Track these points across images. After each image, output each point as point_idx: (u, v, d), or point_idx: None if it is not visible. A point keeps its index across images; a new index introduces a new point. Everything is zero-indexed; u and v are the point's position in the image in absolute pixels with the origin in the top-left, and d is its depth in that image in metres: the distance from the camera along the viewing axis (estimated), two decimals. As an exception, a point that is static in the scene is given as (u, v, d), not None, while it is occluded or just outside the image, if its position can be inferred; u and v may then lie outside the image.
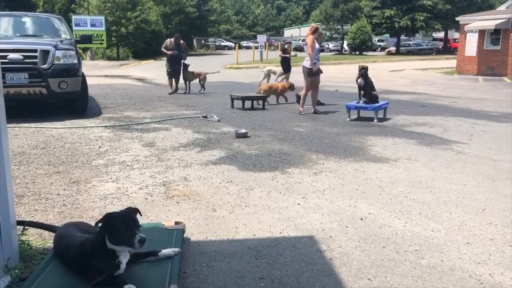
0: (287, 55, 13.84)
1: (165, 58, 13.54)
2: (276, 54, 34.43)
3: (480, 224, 3.61)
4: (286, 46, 15.01)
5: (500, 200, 4.17)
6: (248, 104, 10.16)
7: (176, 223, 3.24)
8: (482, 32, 21.93)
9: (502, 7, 23.98)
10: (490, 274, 2.81)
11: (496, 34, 21.52)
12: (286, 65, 13.68)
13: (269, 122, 8.42)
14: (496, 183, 4.69)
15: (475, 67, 22.28)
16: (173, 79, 13.10)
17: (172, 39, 13.17)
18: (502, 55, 21.24)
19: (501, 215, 3.79)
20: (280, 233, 3.41)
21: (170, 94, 12.76)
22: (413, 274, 2.81)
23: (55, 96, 8.21)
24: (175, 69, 13.03)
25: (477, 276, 2.78)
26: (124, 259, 2.45)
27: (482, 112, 9.97)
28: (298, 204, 4.04)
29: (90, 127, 7.62)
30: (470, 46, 22.48)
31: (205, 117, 8.69)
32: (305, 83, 9.38)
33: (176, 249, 2.77)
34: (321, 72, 9.58)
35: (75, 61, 8.30)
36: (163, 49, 13.25)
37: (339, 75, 20.71)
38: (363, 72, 8.84)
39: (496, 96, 13.41)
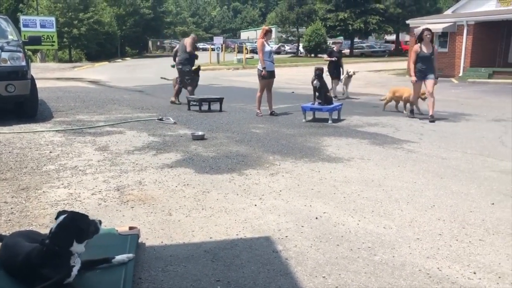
0: (333, 58, 12.56)
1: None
2: (233, 56, 34.51)
3: (430, 220, 3.75)
4: (334, 48, 13.25)
5: (448, 197, 4.35)
6: (205, 106, 10.11)
7: (130, 228, 3.18)
8: (430, 35, 22.77)
9: (448, 11, 25.02)
10: (438, 268, 2.92)
11: (443, 37, 22.43)
12: (334, 69, 12.67)
13: (227, 124, 8.41)
14: (445, 180, 4.89)
15: (424, 69, 23.09)
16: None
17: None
18: (450, 57, 22.15)
19: (449, 211, 3.95)
20: (237, 235, 3.42)
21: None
22: (366, 270, 2.88)
23: (2, 100, 7.86)
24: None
25: (426, 270, 2.89)
26: (76, 265, 2.40)
27: (432, 112, 10.33)
28: (255, 205, 4.06)
29: (41, 131, 7.35)
30: (420, 48, 23.28)
31: (161, 119, 8.57)
32: (259, 85, 9.47)
33: (130, 255, 2.72)
34: (274, 76, 9.55)
35: (23, 63, 7.99)
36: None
37: (296, 77, 20.98)
38: (319, 73, 8.99)
39: (444, 96, 13.95)
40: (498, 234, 3.45)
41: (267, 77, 9.24)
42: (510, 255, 3.11)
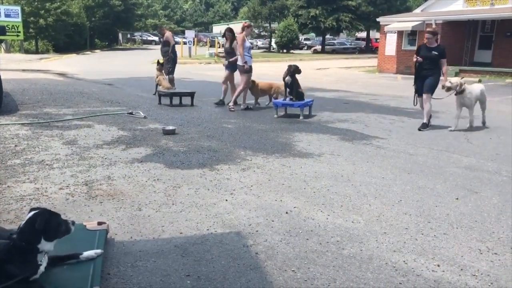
0: (415, 59, 8.30)
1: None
2: (205, 50, 34.25)
3: (397, 214, 3.84)
4: (425, 41, 8.12)
5: (414, 192, 4.46)
6: (176, 100, 10.02)
7: (99, 223, 3.14)
8: (400, 33, 23.19)
9: (417, 10, 25.50)
10: (404, 261, 3.00)
11: (412, 35, 22.84)
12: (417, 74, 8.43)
13: (198, 118, 8.37)
14: (412, 176, 5.01)
15: (394, 66, 23.52)
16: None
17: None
18: (419, 56, 22.55)
19: (415, 206, 4.06)
20: (208, 230, 3.42)
21: None
22: (334, 264, 2.93)
23: (-36, 92, 7.60)
24: None
25: (393, 264, 2.96)
26: (44, 263, 2.36)
27: (400, 109, 10.56)
28: (226, 200, 4.06)
29: (5, 124, 7.14)
30: (390, 46, 23.70)
31: (131, 113, 8.46)
32: (243, 80, 9.44)
33: (98, 251, 2.69)
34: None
35: (-13, 54, 7.74)
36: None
37: (268, 72, 20.99)
38: (298, 72, 8.99)
39: (412, 93, 14.23)
40: (462, 228, 3.56)
41: (250, 71, 9.33)
42: (472, 248, 3.22)
